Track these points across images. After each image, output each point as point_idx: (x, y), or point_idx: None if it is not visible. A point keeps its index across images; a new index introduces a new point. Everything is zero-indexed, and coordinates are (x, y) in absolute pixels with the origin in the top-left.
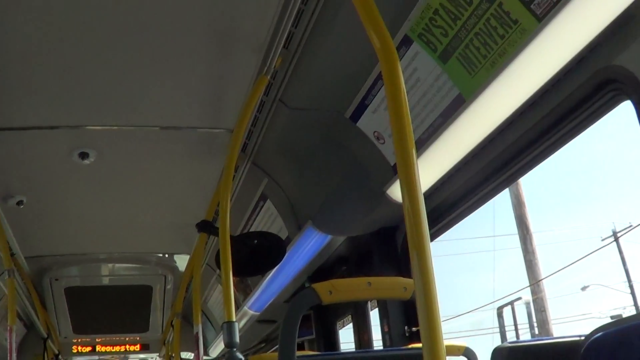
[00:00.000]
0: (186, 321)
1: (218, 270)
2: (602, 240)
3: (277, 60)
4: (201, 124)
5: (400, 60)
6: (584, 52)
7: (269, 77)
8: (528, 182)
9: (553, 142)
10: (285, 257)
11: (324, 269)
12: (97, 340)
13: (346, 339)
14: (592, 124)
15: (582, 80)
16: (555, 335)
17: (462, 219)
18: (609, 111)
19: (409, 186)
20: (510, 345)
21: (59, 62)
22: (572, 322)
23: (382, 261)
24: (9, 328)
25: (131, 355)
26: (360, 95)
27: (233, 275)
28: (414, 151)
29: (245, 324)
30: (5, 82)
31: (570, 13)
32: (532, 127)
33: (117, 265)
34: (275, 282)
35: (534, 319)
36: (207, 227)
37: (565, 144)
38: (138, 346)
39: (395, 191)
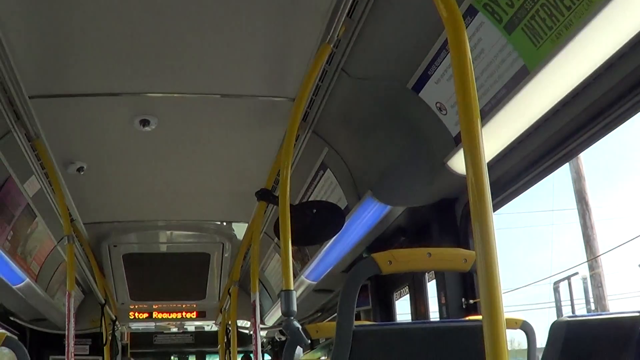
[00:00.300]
0: (243, 289)
1: (276, 239)
2: None
3: (340, 29)
4: (262, 92)
5: (465, 29)
6: None
7: (332, 46)
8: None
9: (617, 117)
10: (344, 227)
11: (382, 239)
12: (154, 306)
13: (403, 310)
14: None
15: None
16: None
17: (523, 191)
18: None
19: (473, 157)
20: (568, 319)
21: (121, 29)
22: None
23: (441, 233)
24: (67, 293)
25: (187, 322)
26: (423, 66)
27: (291, 244)
28: (478, 121)
29: (302, 293)
30: (68, 49)
31: None
32: (597, 100)
33: (175, 232)
34: (333, 252)
35: (591, 295)
36: (267, 196)
37: (629, 118)
38: (194, 313)
39: (456, 162)
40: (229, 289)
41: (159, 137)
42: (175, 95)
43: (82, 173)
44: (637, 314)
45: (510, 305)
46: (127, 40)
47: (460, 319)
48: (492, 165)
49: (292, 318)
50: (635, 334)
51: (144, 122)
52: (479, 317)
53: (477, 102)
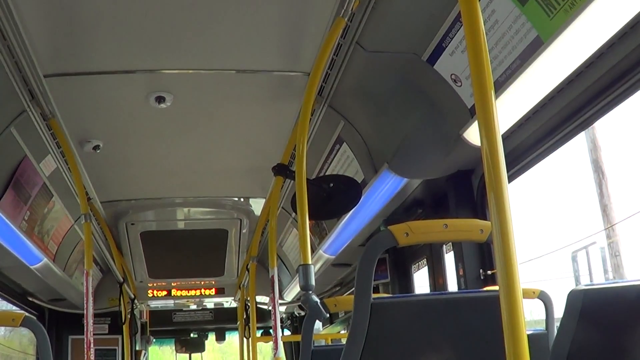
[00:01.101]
0: (261, 265)
1: (294, 214)
2: None
3: (354, 2)
4: (277, 67)
5: (479, 1)
6: None
7: (346, 19)
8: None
9: (631, 86)
10: (361, 200)
11: (399, 212)
12: (172, 284)
13: (421, 282)
14: None
15: None
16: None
17: (539, 161)
18: None
19: (487, 128)
20: (585, 287)
21: (134, 6)
22: None
23: (458, 204)
24: (85, 272)
25: (206, 299)
26: (437, 37)
27: (309, 218)
28: (492, 93)
29: (320, 268)
30: (82, 27)
31: None
32: (610, 70)
33: (192, 209)
34: (350, 226)
35: (609, 264)
36: (283, 171)
37: None
38: (213, 290)
39: (472, 134)
40: (247, 265)
41: (175, 114)
42: (190, 71)
43: (98, 151)
44: None
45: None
46: (141, 17)
47: (478, 290)
48: (507, 136)
49: (311, 292)
50: None
51: (159, 99)
52: (497, 287)
53: (490, 73)
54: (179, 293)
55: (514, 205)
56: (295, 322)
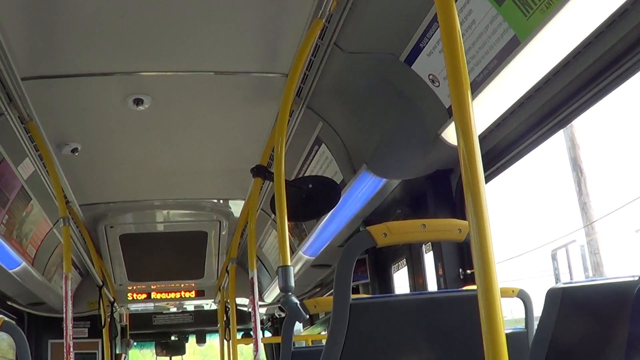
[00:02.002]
0: (241, 267)
1: (273, 215)
2: None
3: (332, 3)
4: (256, 68)
5: (455, 1)
6: None
7: (323, 20)
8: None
9: (607, 84)
10: (340, 201)
11: (378, 212)
12: (152, 287)
13: (401, 282)
14: None
15: (637, 21)
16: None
17: (517, 161)
18: None
19: (464, 128)
20: (564, 285)
21: (112, 8)
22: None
23: (437, 204)
24: (64, 276)
25: (186, 302)
26: (415, 38)
27: (288, 220)
28: (469, 93)
29: (300, 269)
30: (59, 29)
31: None
32: (587, 68)
33: (172, 211)
34: (330, 227)
35: (588, 262)
36: (262, 172)
37: (619, 86)
38: (193, 292)
39: (450, 134)
40: (227, 267)
41: (153, 116)
42: (168, 73)
43: (76, 154)
44: (632, 279)
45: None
46: (119, 19)
47: (457, 289)
48: (485, 136)
49: (290, 294)
50: (630, 299)
51: (138, 101)
52: (475, 286)
53: (467, 74)
54: (158, 296)
55: (493, 204)
56: (276, 324)
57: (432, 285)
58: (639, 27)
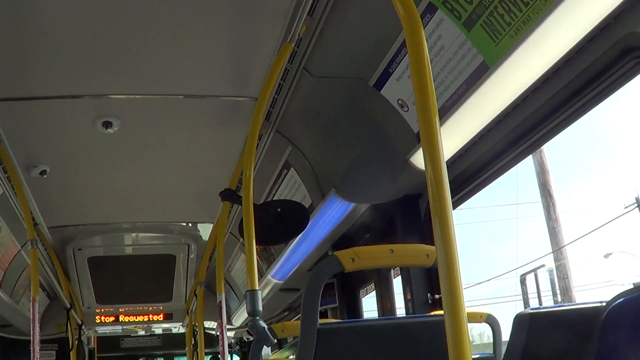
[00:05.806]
0: (210, 290)
1: (242, 239)
2: (625, 207)
3: (301, 28)
4: (225, 92)
5: (424, 27)
6: (606, 20)
7: (293, 45)
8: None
9: (576, 110)
10: (308, 225)
11: (347, 237)
12: (120, 310)
13: (369, 307)
14: (614, 91)
15: (604, 48)
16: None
17: (485, 186)
18: (631, 79)
19: (432, 153)
20: (532, 311)
21: (81, 30)
22: (595, 290)
23: (406, 229)
24: (32, 299)
25: (154, 325)
26: (384, 63)
27: (256, 243)
28: (437, 119)
29: (268, 293)
30: (28, 51)
31: None
32: (555, 94)
33: (140, 234)
34: (298, 251)
35: (557, 287)
36: (231, 196)
37: (587, 112)
38: (161, 316)
39: (419, 159)
40: (195, 290)
41: (122, 139)
42: (137, 96)
43: (45, 176)
44: (599, 305)
45: (476, 299)
46: (88, 41)
47: (425, 314)
48: (453, 161)
49: (258, 318)
50: (598, 325)
51: (107, 124)
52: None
53: (434, 99)
54: (127, 319)
55: (461, 230)
56: (244, 347)
57: (400, 310)
58: (607, 53)
